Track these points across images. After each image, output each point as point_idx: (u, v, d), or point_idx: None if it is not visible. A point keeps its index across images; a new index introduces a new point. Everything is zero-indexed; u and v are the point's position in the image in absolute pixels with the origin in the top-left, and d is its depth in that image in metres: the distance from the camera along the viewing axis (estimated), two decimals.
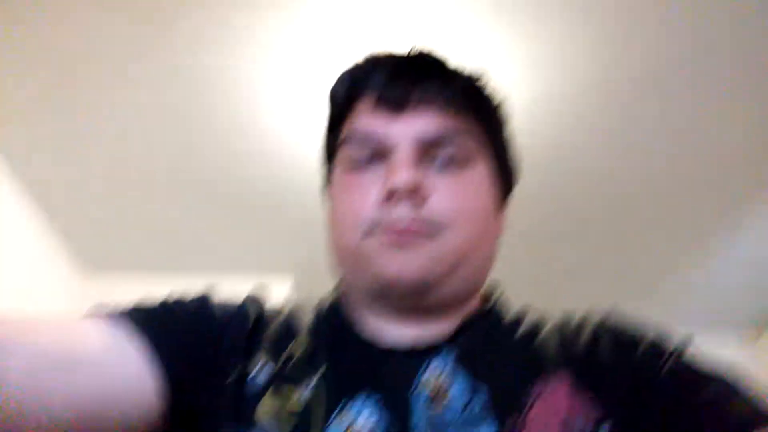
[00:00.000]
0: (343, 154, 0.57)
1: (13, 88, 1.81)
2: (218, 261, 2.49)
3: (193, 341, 0.52)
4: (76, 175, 2.13)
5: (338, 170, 0.58)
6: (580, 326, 0.55)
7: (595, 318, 0.56)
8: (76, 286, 2.50)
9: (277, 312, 0.60)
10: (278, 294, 2.49)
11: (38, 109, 1.88)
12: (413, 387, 0.49)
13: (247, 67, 1.74)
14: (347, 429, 0.46)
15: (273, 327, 0.57)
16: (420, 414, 0.47)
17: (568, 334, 0.54)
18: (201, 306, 0.56)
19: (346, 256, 0.55)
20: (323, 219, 0.62)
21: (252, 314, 0.57)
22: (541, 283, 2.37)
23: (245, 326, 0.55)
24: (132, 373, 0.46)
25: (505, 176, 0.60)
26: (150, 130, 1.96)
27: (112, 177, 2.13)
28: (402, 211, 0.51)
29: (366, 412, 0.47)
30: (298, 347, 0.54)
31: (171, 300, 0.56)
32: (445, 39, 1.62)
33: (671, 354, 0.50)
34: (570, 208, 2.14)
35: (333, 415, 0.47)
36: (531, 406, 0.47)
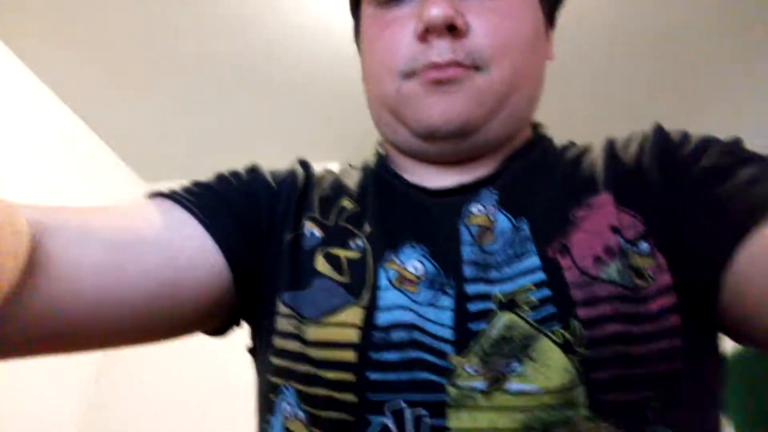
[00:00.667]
0: None
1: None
2: (266, 157, 2.51)
3: (248, 210, 0.52)
4: (123, 94, 2.14)
5: (366, 11, 0.55)
6: (626, 144, 0.51)
7: (641, 134, 0.52)
8: (137, 194, 2.60)
9: (327, 172, 0.60)
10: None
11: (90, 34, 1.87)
12: (458, 226, 0.48)
13: None
14: (397, 276, 0.46)
15: (324, 186, 0.57)
16: (467, 251, 0.46)
17: (616, 152, 0.51)
18: (254, 175, 0.56)
19: (385, 104, 0.53)
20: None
21: (301, 176, 0.57)
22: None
23: (296, 188, 0.56)
24: (195, 248, 0.47)
25: None
26: (198, 29, 1.92)
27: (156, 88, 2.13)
28: (441, 47, 0.48)
29: (412, 263, 0.46)
30: (348, 202, 0.54)
31: (226, 173, 0.56)
32: None
33: (719, 147, 0.46)
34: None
35: (382, 263, 0.47)
36: (574, 230, 0.45)
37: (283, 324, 0.47)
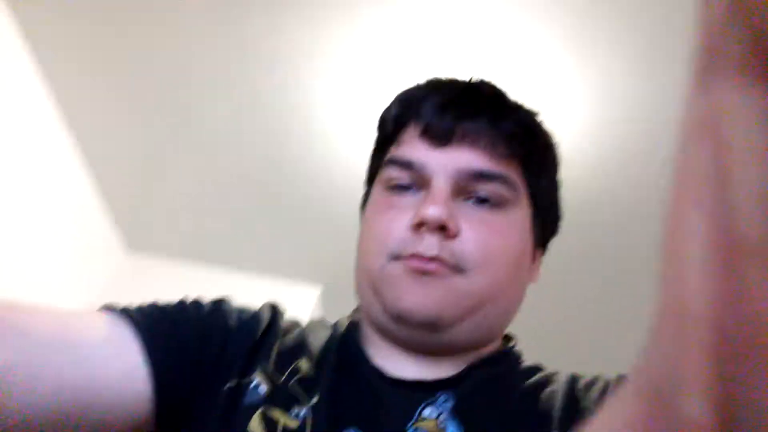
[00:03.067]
0: (384, 175, 0.57)
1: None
2: (253, 260, 2.52)
3: (196, 347, 0.52)
4: (135, 151, 2.20)
5: (376, 190, 0.59)
6: (588, 386, 0.52)
7: (605, 379, 0.53)
8: (119, 262, 2.57)
9: (294, 324, 0.60)
10: (305, 301, 2.49)
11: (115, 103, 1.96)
12: (406, 428, 0.47)
13: (305, 77, 1.77)
14: None
15: (286, 339, 0.56)
16: None
17: (575, 393, 0.51)
18: (216, 309, 0.56)
19: (368, 278, 0.55)
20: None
21: (264, 322, 0.57)
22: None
23: (254, 334, 0.55)
24: (124, 369, 0.46)
25: (545, 224, 0.59)
26: (216, 129, 2.01)
27: (162, 156, 2.20)
28: (430, 242, 0.51)
29: None
30: (305, 364, 0.53)
31: (187, 301, 0.56)
32: (512, 60, 1.61)
33: None
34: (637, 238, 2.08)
35: None
36: None
37: None
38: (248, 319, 0.57)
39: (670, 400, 0.18)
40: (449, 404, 0.49)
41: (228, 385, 0.51)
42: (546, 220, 0.59)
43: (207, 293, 2.15)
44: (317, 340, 0.57)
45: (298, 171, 2.10)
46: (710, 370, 0.16)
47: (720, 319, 0.16)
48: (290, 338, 0.57)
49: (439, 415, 0.48)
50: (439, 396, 0.50)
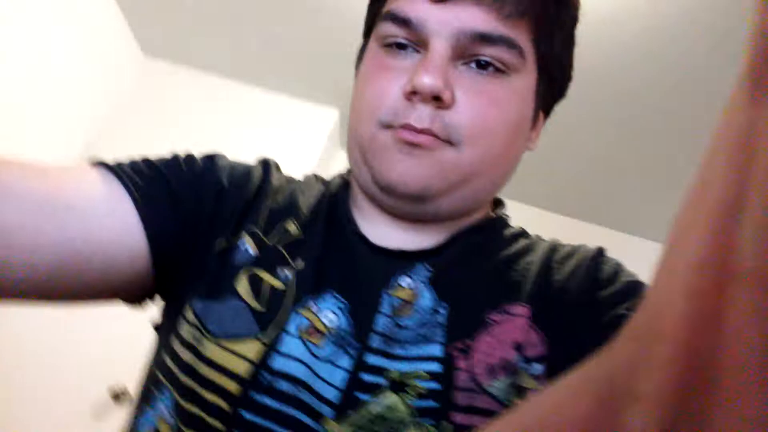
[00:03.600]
0: (380, 30, 0.53)
1: None
2: (270, 77, 2.47)
3: (189, 204, 0.52)
4: None
5: (372, 46, 0.54)
6: (564, 258, 0.52)
7: (583, 253, 0.53)
8: (136, 68, 2.54)
9: (285, 182, 0.59)
10: (324, 125, 2.52)
11: None
12: (382, 294, 0.48)
13: None
14: (309, 325, 0.46)
15: (278, 199, 0.56)
16: (381, 320, 0.47)
17: (552, 263, 0.52)
18: (209, 166, 0.55)
19: (358, 144, 0.53)
20: None
21: (256, 180, 0.56)
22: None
23: (246, 194, 0.55)
24: (119, 227, 0.47)
25: (552, 89, 0.55)
26: None
27: None
28: (422, 113, 0.48)
29: (329, 312, 0.47)
30: (294, 226, 0.54)
31: (180, 156, 0.55)
32: None
33: (638, 292, 0.47)
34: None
35: (298, 307, 0.47)
36: (482, 334, 0.46)
37: (185, 330, 0.48)
38: (240, 177, 0.56)
39: (620, 409, 0.18)
40: (426, 274, 0.50)
41: (218, 245, 0.51)
42: (553, 85, 0.55)
43: (224, 107, 2.17)
44: (307, 201, 0.57)
45: None
46: (669, 390, 0.16)
47: (691, 340, 0.16)
48: (280, 198, 0.56)
49: (415, 285, 0.49)
50: (417, 266, 0.50)
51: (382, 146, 0.50)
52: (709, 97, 1.81)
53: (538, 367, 0.45)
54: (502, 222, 0.58)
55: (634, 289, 0.47)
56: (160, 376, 0.48)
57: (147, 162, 0.52)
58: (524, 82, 0.51)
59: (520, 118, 0.52)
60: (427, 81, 0.47)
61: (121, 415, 2.09)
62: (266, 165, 0.60)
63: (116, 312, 2.07)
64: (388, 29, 0.51)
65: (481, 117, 0.49)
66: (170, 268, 0.51)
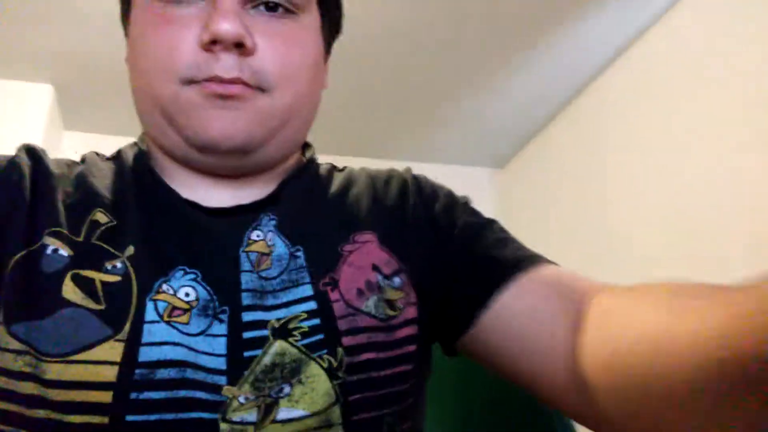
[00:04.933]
0: None
1: None
2: None
3: None
4: None
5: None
6: (387, 182, 0.58)
7: (401, 175, 0.59)
8: None
9: (66, 168, 0.52)
10: (40, 103, 2.20)
11: None
12: (238, 253, 0.47)
13: None
14: (168, 307, 0.44)
15: (67, 188, 0.49)
16: (246, 278, 0.46)
17: (377, 190, 0.56)
18: None
19: (156, 105, 0.49)
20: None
21: (27, 174, 0.48)
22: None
23: (23, 191, 0.47)
24: None
25: (332, 26, 0.57)
26: None
27: None
28: (228, 62, 0.46)
29: (185, 288, 0.45)
30: (101, 214, 0.48)
31: None
32: None
33: (462, 206, 0.56)
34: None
35: (150, 293, 0.44)
36: (342, 265, 0.49)
37: (12, 362, 0.41)
38: (5, 169, 0.48)
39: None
40: (273, 223, 0.50)
41: (14, 258, 0.44)
42: (332, 21, 0.57)
43: None
44: (103, 182, 0.51)
45: None
46: None
47: None
48: (70, 185, 0.49)
49: (265, 235, 0.49)
50: (262, 217, 0.50)
51: (190, 104, 0.47)
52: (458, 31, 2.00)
53: (397, 280, 0.50)
54: (315, 162, 0.60)
55: (451, 197, 0.58)
56: (2, 426, 0.41)
57: None
58: (311, 19, 0.52)
59: (317, 56, 0.53)
60: (228, 27, 0.45)
61: None
62: (33, 152, 0.51)
63: None
64: None
65: (285, 60, 0.49)
66: None
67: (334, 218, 0.53)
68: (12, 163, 0.49)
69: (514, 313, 0.48)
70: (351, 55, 2.12)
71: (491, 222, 0.56)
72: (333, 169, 0.60)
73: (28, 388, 0.40)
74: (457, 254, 0.52)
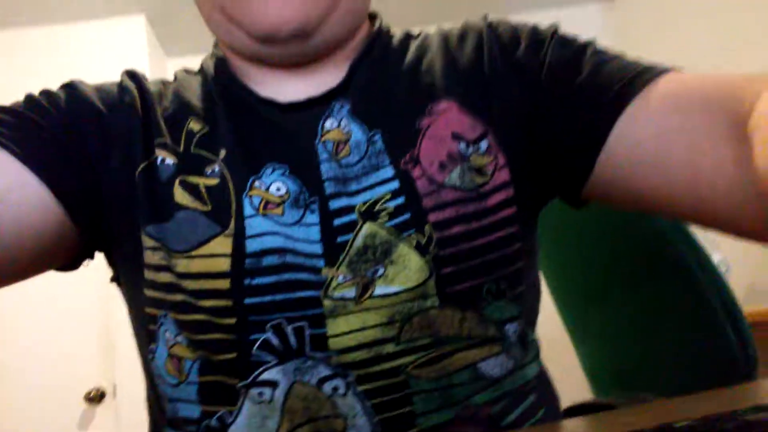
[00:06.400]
0: None
1: None
2: (62, 9, 2.14)
3: (72, 139, 0.48)
4: None
5: None
6: (462, 39, 0.54)
7: (476, 27, 0.54)
8: None
9: (163, 85, 0.55)
10: (135, 35, 2.28)
11: None
12: (315, 143, 0.49)
13: None
14: (262, 201, 0.47)
15: (165, 104, 0.53)
16: (325, 167, 0.48)
17: (452, 51, 0.53)
18: (74, 97, 0.51)
19: (215, 5, 0.49)
20: None
21: (136, 95, 0.53)
22: None
23: (135, 111, 0.51)
24: (11, 187, 0.44)
25: None
26: None
27: None
28: None
29: (275, 184, 0.47)
30: (195, 123, 0.51)
31: (38, 97, 0.50)
32: None
33: (549, 40, 0.50)
34: None
35: (246, 190, 0.47)
36: (421, 140, 0.48)
37: (151, 257, 0.47)
38: (116, 98, 0.52)
39: None
40: (345, 109, 0.50)
41: (139, 169, 0.49)
42: None
43: (31, 57, 1.86)
44: (194, 94, 0.54)
45: None
46: None
47: None
48: (168, 101, 0.53)
49: (340, 122, 0.49)
50: (334, 105, 0.50)
51: None
52: None
53: (483, 144, 0.49)
54: (386, 33, 0.57)
55: (537, 33, 0.52)
56: (150, 310, 0.48)
57: (8, 112, 0.47)
58: None
59: None
60: None
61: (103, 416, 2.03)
62: (135, 76, 0.55)
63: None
64: None
65: None
66: (89, 209, 0.48)
67: (410, 92, 0.51)
68: (122, 87, 0.53)
69: (638, 140, 0.43)
70: None
71: (585, 46, 0.50)
72: (408, 38, 0.57)
73: (166, 278, 0.46)
74: (552, 97, 0.48)
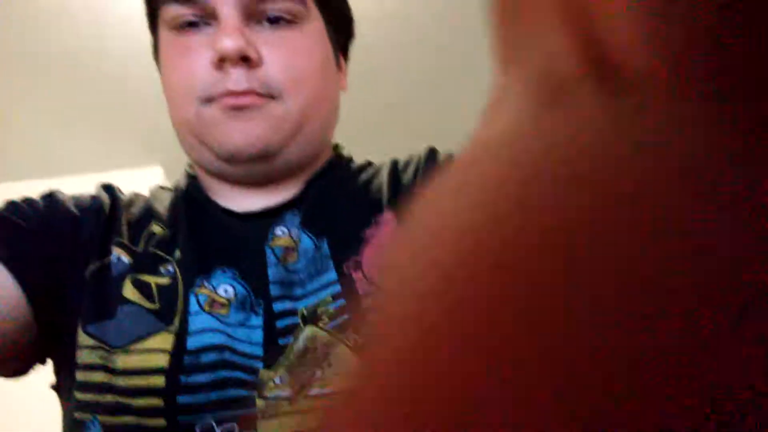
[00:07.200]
0: (166, 15, 0.54)
1: None
2: (83, 162, 2.33)
3: (47, 240, 0.51)
4: None
5: (163, 34, 0.55)
6: (406, 164, 0.59)
7: (419, 154, 0.59)
8: None
9: (135, 196, 0.59)
10: (152, 183, 2.39)
11: None
12: (264, 248, 0.52)
13: None
14: (208, 300, 0.48)
15: (132, 210, 0.56)
16: (272, 271, 0.50)
17: (398, 171, 0.58)
18: (51, 203, 0.55)
19: (187, 127, 0.54)
20: None
21: (106, 202, 0.57)
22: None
23: (101, 215, 0.55)
24: (4, 293, 0.46)
25: (339, 30, 0.60)
26: None
27: None
28: (238, 76, 0.50)
29: (223, 286, 0.49)
30: (158, 227, 0.54)
31: (19, 201, 0.54)
32: None
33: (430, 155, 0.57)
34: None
35: (193, 289, 0.49)
36: (365, 248, 0.51)
37: (86, 356, 0.48)
38: (89, 203, 0.56)
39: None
40: (297, 220, 0.54)
41: (91, 269, 0.51)
42: (339, 26, 0.60)
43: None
44: (162, 203, 0.58)
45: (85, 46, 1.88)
46: None
47: None
48: (136, 209, 0.57)
49: (290, 231, 0.53)
50: (286, 215, 0.54)
51: (211, 120, 0.52)
52: None
53: None
54: (346, 159, 0.62)
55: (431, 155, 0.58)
56: (79, 415, 0.47)
57: None
58: (313, 27, 0.55)
59: (325, 60, 0.57)
60: (230, 43, 0.49)
61: None
62: (109, 187, 0.60)
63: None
64: (175, 10, 0.53)
65: (291, 66, 0.52)
66: (49, 308, 0.49)
67: (358, 207, 0.55)
68: (95, 196, 0.57)
69: None
70: None
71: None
72: (366, 164, 0.62)
73: (99, 377, 0.46)
74: None
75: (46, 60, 1.89)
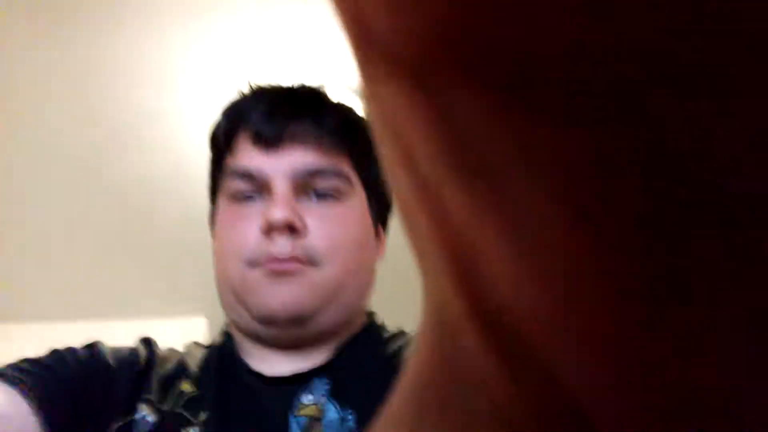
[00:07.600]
0: (226, 188, 0.59)
1: None
2: (126, 306, 2.40)
3: (81, 392, 0.53)
4: None
5: (222, 203, 0.60)
6: None
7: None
8: None
9: (171, 352, 0.61)
10: (196, 337, 2.41)
11: None
12: (289, 417, 0.52)
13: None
14: None
15: (166, 367, 0.58)
16: None
17: None
18: (92, 353, 0.57)
19: (230, 288, 0.57)
20: None
21: (143, 356, 0.58)
22: None
23: (135, 369, 0.57)
24: (18, 425, 0.47)
25: (380, 203, 0.64)
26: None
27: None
28: (281, 244, 0.54)
29: None
30: (187, 385, 0.55)
31: (61, 351, 0.56)
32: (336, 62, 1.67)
33: None
34: None
35: None
36: None
37: None
38: (126, 356, 0.58)
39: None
40: (325, 388, 0.54)
41: (115, 426, 0.52)
42: (381, 200, 0.64)
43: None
44: (195, 361, 0.59)
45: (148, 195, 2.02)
46: None
47: None
48: (169, 365, 0.58)
49: (317, 399, 0.53)
50: (315, 381, 0.54)
51: (254, 283, 0.54)
52: None
53: None
54: (379, 326, 0.63)
55: None
56: None
57: (32, 362, 0.53)
58: (356, 202, 0.60)
59: (364, 232, 0.60)
60: (279, 214, 0.54)
61: None
62: (148, 341, 0.62)
63: None
64: (233, 185, 0.58)
65: (332, 237, 0.56)
66: None
67: (387, 378, 0.53)
68: (133, 349, 0.59)
69: None
70: None
71: None
72: (399, 333, 0.63)
73: None
74: None
75: (96, 195, 2.03)
